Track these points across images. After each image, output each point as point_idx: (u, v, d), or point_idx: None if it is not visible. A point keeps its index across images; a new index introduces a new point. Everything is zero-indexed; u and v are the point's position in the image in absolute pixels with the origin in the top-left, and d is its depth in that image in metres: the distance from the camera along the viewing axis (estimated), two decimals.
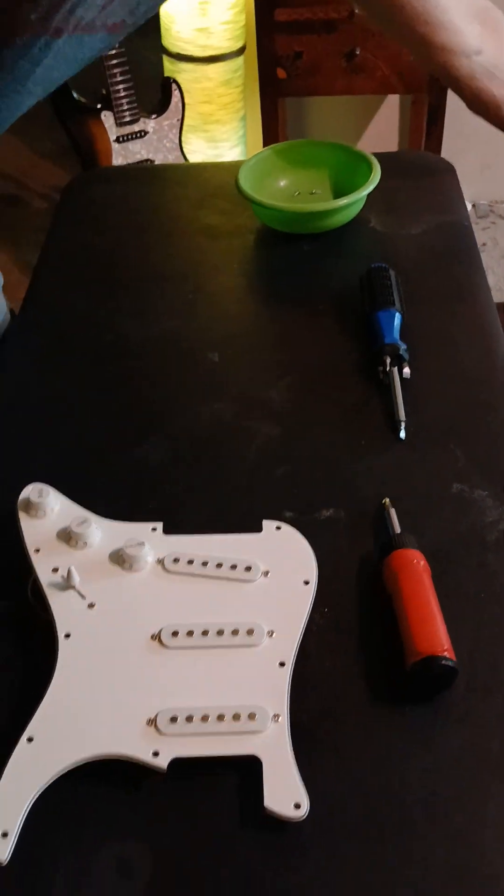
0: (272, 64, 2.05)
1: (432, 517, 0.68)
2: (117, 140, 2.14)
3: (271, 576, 0.62)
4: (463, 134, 2.09)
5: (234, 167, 1.04)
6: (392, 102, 2.37)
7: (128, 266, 0.99)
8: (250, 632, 0.58)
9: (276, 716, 0.54)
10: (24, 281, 1.02)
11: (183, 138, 2.24)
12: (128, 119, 2.13)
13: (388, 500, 0.69)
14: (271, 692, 0.56)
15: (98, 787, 0.53)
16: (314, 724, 0.56)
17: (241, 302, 0.94)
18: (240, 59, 2.23)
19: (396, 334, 0.81)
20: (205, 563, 0.63)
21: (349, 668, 0.59)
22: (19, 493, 0.67)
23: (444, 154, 2.10)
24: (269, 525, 0.66)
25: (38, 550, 0.64)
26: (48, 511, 0.66)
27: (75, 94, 2.11)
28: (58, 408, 0.81)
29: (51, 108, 2.16)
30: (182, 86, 2.19)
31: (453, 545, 0.66)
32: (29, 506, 0.66)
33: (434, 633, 0.57)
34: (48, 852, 0.51)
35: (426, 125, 2.23)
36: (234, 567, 0.63)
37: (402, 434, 0.75)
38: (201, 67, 2.20)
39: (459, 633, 0.58)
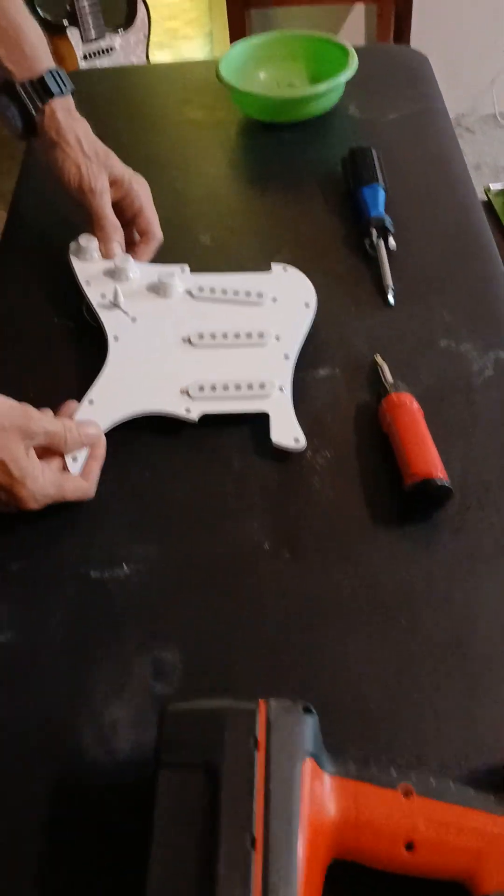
0: None
1: (422, 369, 0.73)
2: (85, 58, 2.11)
3: (278, 301, 0.78)
4: (429, 43, 2.10)
5: (212, 64, 1.06)
6: (358, 12, 2.35)
7: None
8: (261, 335, 0.74)
9: (281, 387, 0.70)
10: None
11: (150, 55, 2.22)
12: (94, 35, 2.10)
13: (378, 355, 0.74)
14: (277, 373, 0.71)
15: (146, 435, 0.70)
16: (320, 540, 0.62)
17: (228, 188, 0.97)
18: None
19: (381, 208, 0.85)
20: (224, 292, 0.78)
21: (351, 496, 0.64)
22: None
23: (414, 45, 2.10)
24: (276, 266, 0.81)
25: (88, 283, 0.79)
26: (94, 255, 0.81)
27: (40, 11, 2.07)
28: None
29: None
30: (147, 1, 2.16)
31: (442, 390, 0.71)
32: (79, 250, 0.81)
33: (429, 458, 0.62)
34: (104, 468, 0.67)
35: (393, 35, 2.23)
36: (248, 294, 0.78)
37: (391, 299, 0.79)
38: None
39: (451, 459, 0.64)
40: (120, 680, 0.56)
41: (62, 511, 0.64)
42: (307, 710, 0.46)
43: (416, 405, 0.67)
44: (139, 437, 0.69)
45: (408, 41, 2.12)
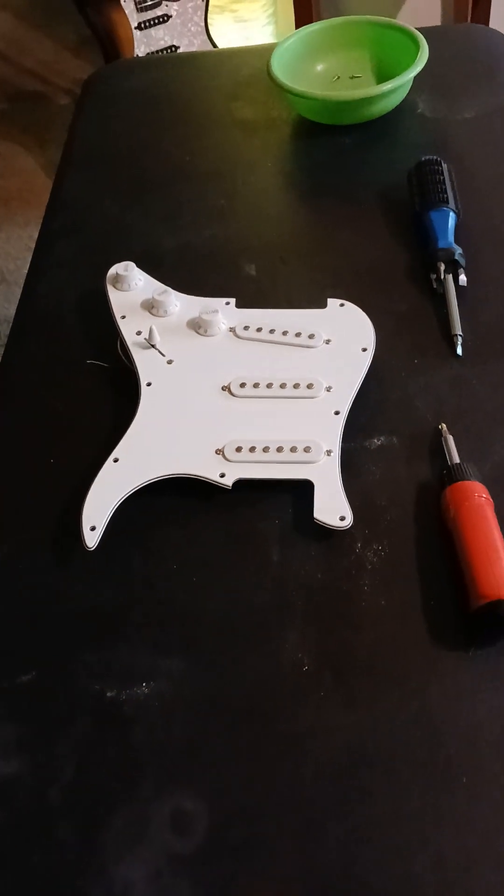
0: None
1: (497, 444, 0.63)
2: (139, 27, 2.00)
3: (332, 343, 0.69)
4: None
5: (266, 51, 0.95)
6: None
7: (155, 167, 0.92)
8: (310, 386, 0.66)
9: (329, 451, 0.62)
10: (51, 185, 0.96)
11: (209, 20, 2.08)
12: (149, 3, 1.98)
13: (444, 425, 0.64)
14: (326, 433, 0.63)
15: (174, 499, 0.62)
16: (368, 662, 0.53)
17: (278, 204, 0.86)
18: None
19: (451, 237, 0.74)
20: (272, 331, 0.70)
21: (407, 606, 0.55)
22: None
23: (494, 24, 1.94)
24: (332, 302, 0.72)
25: (123, 317, 0.72)
26: (133, 285, 0.74)
27: None
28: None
29: None
30: None
31: None
32: (116, 279, 0.74)
33: (499, 575, 0.53)
34: (127, 543, 0.61)
35: (471, 11, 2.03)
36: (298, 335, 0.69)
37: (459, 350, 0.69)
38: None
39: None
40: (134, 831, 0.49)
41: (74, 610, 0.57)
42: None
43: (485, 497, 0.57)
44: (165, 507, 0.62)
45: (487, 20, 1.93)
